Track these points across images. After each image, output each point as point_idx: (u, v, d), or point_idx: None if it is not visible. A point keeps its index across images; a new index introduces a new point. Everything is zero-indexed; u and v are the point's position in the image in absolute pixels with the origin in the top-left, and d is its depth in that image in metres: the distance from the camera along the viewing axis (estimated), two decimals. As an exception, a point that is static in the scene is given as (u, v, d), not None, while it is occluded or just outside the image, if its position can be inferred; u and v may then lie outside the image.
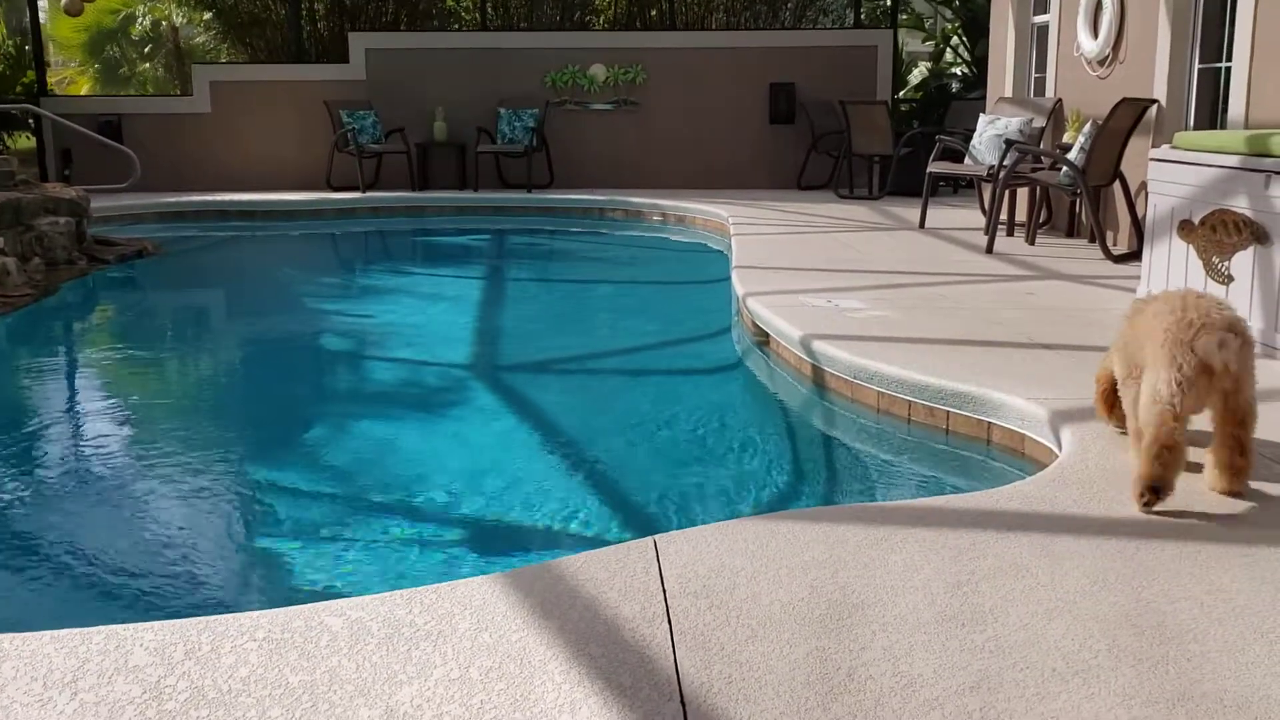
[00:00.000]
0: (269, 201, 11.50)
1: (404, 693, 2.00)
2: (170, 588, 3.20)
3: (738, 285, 6.38)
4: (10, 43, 13.91)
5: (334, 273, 9.68)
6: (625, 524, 3.55)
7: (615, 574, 2.46)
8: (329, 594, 2.98)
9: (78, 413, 5.18)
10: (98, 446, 4.53)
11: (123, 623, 2.31)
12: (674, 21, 13.79)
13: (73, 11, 12.59)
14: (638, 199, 11.62)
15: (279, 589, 3.14)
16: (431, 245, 11.00)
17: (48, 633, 2.22)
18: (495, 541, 3.49)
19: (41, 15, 13.48)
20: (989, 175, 8.29)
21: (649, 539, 2.66)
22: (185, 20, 16.07)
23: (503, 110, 12.39)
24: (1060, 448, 3.45)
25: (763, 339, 5.56)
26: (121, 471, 4.17)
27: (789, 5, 14.28)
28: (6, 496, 3.88)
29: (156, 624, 2.27)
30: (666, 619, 2.26)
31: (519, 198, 11.99)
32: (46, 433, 4.77)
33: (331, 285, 8.86)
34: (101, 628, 2.25)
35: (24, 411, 5.13)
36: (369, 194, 11.85)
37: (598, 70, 12.71)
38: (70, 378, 6.01)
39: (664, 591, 2.38)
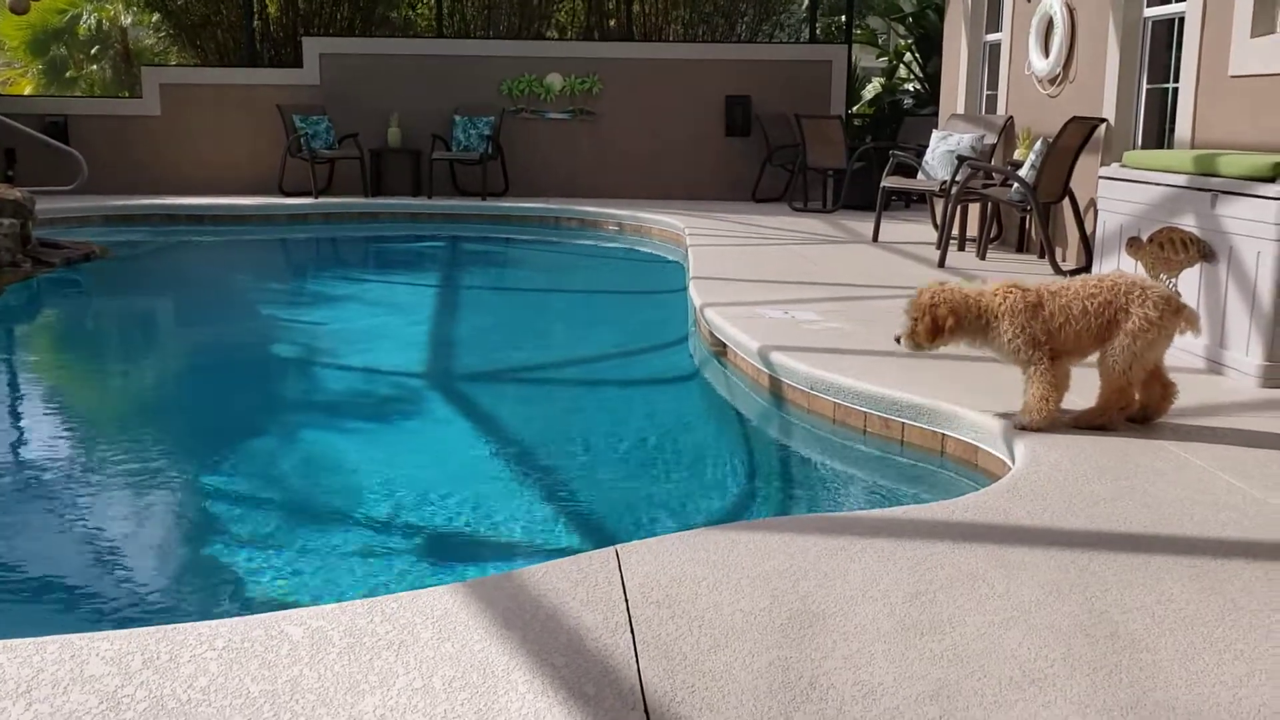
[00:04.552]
0: (219, 206, 11.36)
1: (367, 702, 1.99)
2: (120, 597, 3.15)
3: (695, 296, 6.42)
4: (-47, 41, 13.63)
5: (285, 279, 9.58)
6: (585, 533, 3.55)
7: (577, 584, 2.46)
8: (285, 603, 2.95)
9: (22, 419, 5.07)
10: (44, 453, 4.45)
11: (76, 632, 2.28)
12: (631, 33, 13.83)
13: (18, 10, 12.35)
14: (593, 209, 11.63)
15: (233, 598, 3.10)
16: (385, 252, 10.93)
17: (0, 641, 2.18)
18: (453, 550, 3.47)
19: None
20: (941, 190, 8.40)
21: (611, 549, 2.66)
22: (133, 21, 15.82)
23: (458, 118, 12.35)
24: (1013, 460, 3.51)
25: (720, 349, 5.59)
26: (69, 479, 4.09)
27: (745, 19, 14.38)
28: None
29: (113, 633, 2.24)
30: (629, 628, 2.27)
31: (473, 205, 11.95)
32: (-9, 438, 4.68)
33: (282, 291, 8.77)
34: (56, 637, 2.21)
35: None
36: (321, 200, 11.75)
37: (554, 79, 12.71)
38: (13, 384, 5.88)
39: (626, 601, 2.39)
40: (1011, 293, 3.62)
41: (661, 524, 3.56)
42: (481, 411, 5.12)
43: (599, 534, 3.53)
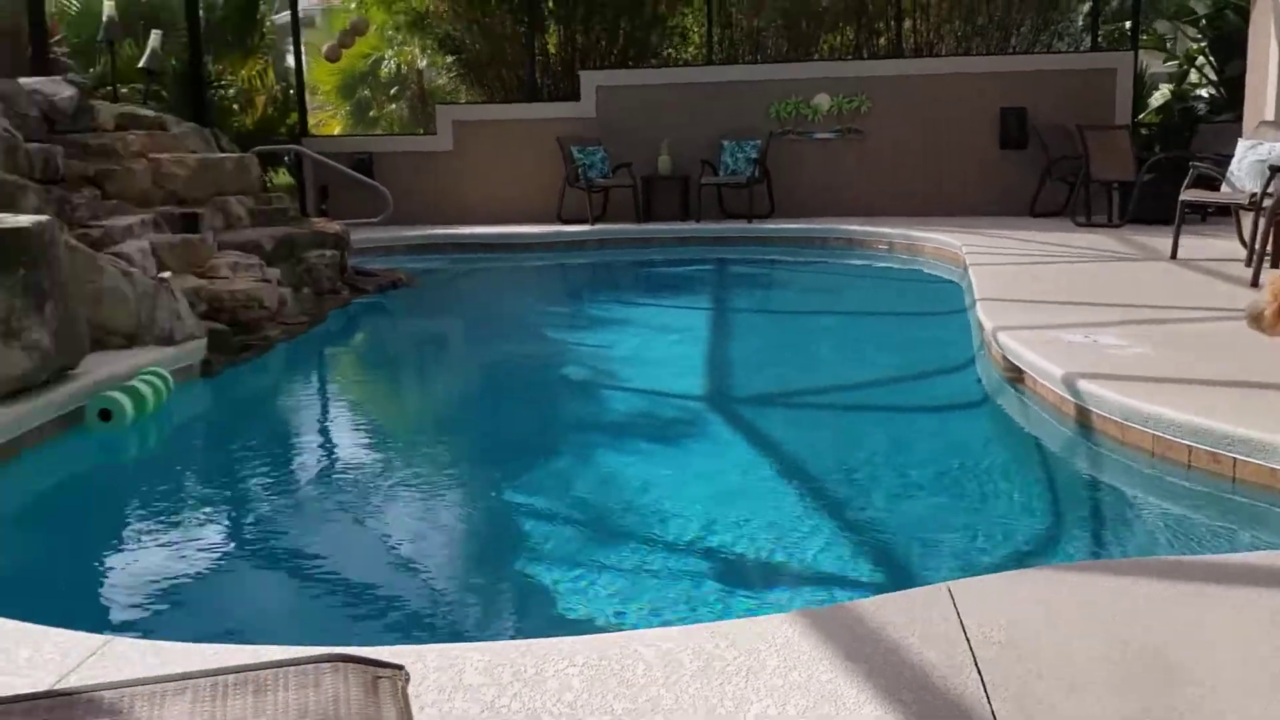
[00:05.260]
0: (507, 235, 12.04)
1: (725, 727, 2.07)
2: (448, 611, 3.39)
3: (984, 318, 6.24)
4: (277, 88, 15.10)
5: (569, 303, 10.04)
6: (890, 567, 3.53)
7: (914, 619, 2.46)
8: (585, 624, 3.08)
9: (356, 435, 5.57)
10: (376, 469, 4.84)
11: (447, 642, 2.49)
12: (901, 49, 13.63)
13: (333, 58, 13.58)
14: (861, 227, 11.52)
15: (547, 616, 3.26)
16: (658, 275, 11.25)
17: (386, 648, 2.41)
18: (756, 577, 3.52)
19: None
20: (1251, 203, 7.81)
21: (942, 586, 2.65)
22: (428, 63, 17.04)
23: (725, 142, 12.55)
24: (1372, 503, 3.23)
25: (1015, 375, 5.41)
26: (398, 491, 4.44)
27: (1021, 29, 13.88)
28: (295, 507, 4.22)
29: (482, 645, 2.43)
30: (975, 668, 2.25)
31: (740, 228, 12.11)
32: (327, 451, 5.16)
33: (566, 315, 9.19)
34: (434, 646, 2.42)
35: (313, 433, 5.57)
36: (598, 226, 12.23)
37: (822, 100, 12.71)
38: (351, 401, 6.47)
39: (967, 640, 2.37)
40: None
41: (974, 559, 3.49)
42: (764, 435, 5.18)
43: (902, 568, 3.50)
